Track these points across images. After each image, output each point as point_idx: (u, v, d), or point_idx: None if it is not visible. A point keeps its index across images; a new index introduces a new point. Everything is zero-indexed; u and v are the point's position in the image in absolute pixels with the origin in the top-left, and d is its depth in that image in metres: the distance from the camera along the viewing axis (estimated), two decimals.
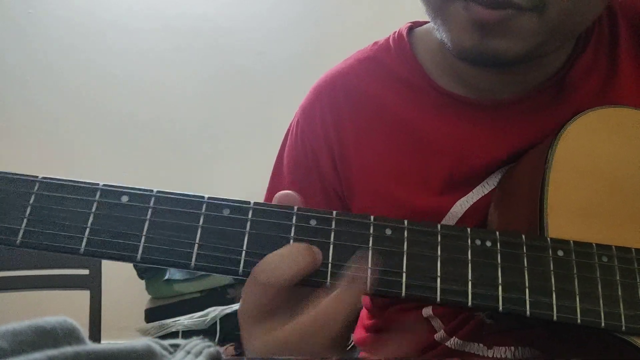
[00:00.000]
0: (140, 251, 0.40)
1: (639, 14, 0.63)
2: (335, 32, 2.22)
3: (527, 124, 0.61)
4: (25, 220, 0.39)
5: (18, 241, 0.38)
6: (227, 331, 1.77)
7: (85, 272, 1.29)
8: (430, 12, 0.55)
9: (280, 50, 2.26)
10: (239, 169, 2.20)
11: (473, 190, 0.61)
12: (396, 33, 0.69)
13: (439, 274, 0.42)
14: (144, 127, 2.28)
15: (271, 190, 0.71)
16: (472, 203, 0.61)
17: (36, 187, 0.40)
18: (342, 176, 0.66)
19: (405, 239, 0.43)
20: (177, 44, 2.26)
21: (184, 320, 1.77)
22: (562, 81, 0.61)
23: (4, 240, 0.38)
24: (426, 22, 0.70)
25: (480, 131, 0.62)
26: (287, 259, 0.40)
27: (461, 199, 0.61)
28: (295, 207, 0.42)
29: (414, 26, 0.70)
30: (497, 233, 0.45)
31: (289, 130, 0.73)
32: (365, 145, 0.65)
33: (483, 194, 0.61)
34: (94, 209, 0.40)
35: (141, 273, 1.86)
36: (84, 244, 0.39)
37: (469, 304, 0.42)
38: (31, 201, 0.40)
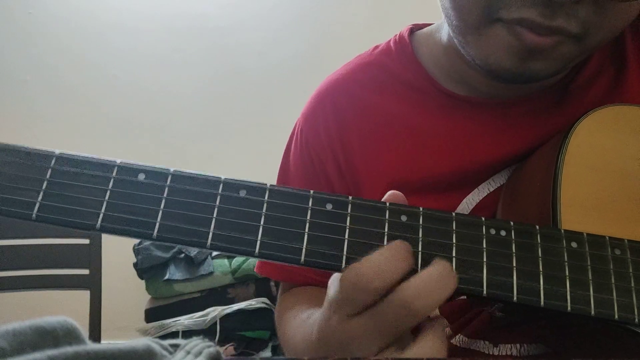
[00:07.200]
0: (156, 229, 0.39)
1: None
2: (335, 32, 2.22)
3: (532, 124, 0.61)
4: (41, 194, 0.39)
5: (34, 215, 0.38)
6: (227, 331, 1.76)
7: (85, 272, 1.28)
8: (461, 28, 0.53)
9: (280, 51, 2.26)
10: (239, 169, 2.19)
11: (479, 187, 0.61)
12: (397, 36, 0.69)
13: (453, 261, 0.42)
14: (144, 126, 2.27)
15: None
16: (478, 200, 0.61)
17: (53, 162, 0.40)
18: (350, 182, 0.66)
19: (421, 226, 0.42)
20: (177, 44, 2.26)
21: (184, 320, 1.76)
22: (568, 84, 0.61)
23: (19, 214, 0.37)
24: (427, 25, 0.70)
25: (484, 131, 0.62)
26: (392, 260, 0.39)
27: (467, 197, 0.61)
28: (312, 191, 0.42)
29: (414, 28, 0.70)
30: (512, 223, 0.45)
31: (291, 136, 0.72)
32: (370, 150, 0.65)
33: (489, 191, 0.61)
34: (110, 186, 0.40)
35: (141, 273, 1.85)
36: (100, 219, 0.39)
37: (484, 292, 0.42)
38: (48, 175, 0.39)
